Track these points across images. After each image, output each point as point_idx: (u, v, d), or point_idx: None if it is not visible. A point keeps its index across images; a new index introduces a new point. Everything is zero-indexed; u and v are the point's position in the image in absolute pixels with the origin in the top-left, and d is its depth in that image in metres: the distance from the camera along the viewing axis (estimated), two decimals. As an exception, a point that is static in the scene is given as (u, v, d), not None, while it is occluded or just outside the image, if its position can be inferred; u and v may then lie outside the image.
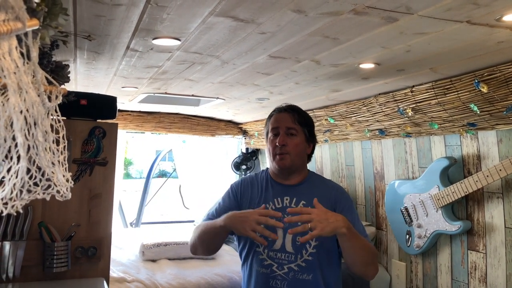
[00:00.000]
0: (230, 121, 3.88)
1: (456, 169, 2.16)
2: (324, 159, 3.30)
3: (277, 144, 1.68)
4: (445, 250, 2.25)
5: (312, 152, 1.80)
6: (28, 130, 0.67)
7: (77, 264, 1.77)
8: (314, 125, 1.82)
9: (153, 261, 2.64)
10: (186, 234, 2.91)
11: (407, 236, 2.38)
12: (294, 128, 1.70)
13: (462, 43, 1.34)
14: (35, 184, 0.72)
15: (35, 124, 0.68)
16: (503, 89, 1.59)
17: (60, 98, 0.85)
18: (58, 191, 0.76)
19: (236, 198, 1.81)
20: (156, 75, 1.98)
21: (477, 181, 1.93)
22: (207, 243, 1.72)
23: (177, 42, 1.42)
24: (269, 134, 1.74)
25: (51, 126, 0.80)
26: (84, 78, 2.12)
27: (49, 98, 0.82)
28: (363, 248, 1.54)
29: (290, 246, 1.65)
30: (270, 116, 1.78)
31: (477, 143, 2.04)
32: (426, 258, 2.38)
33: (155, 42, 1.42)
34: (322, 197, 1.70)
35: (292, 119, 1.71)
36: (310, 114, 1.92)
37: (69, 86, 2.26)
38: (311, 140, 1.77)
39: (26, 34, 0.66)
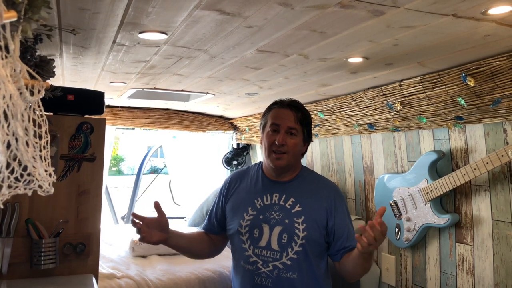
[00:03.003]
0: (220, 117, 3.87)
1: (444, 163, 2.18)
2: (314, 154, 3.31)
3: (276, 142, 1.64)
4: (434, 243, 2.27)
5: (306, 150, 1.78)
6: (7, 124, 0.66)
7: (65, 261, 1.76)
8: (311, 122, 1.78)
9: (143, 257, 2.64)
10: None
11: (397, 230, 2.40)
12: (295, 128, 1.67)
13: (449, 36, 1.34)
14: (16, 179, 0.71)
15: (13, 117, 0.67)
16: (490, 82, 1.60)
17: (43, 92, 0.83)
18: (40, 186, 0.75)
19: (226, 196, 1.83)
20: (144, 70, 1.96)
21: (464, 174, 1.95)
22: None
23: (163, 36, 1.41)
24: (268, 128, 1.70)
25: (34, 120, 0.79)
26: (72, 74, 2.10)
27: (32, 93, 0.81)
28: (367, 266, 1.58)
29: (275, 244, 1.63)
30: (270, 109, 1.74)
31: (465, 136, 2.06)
32: (415, 251, 2.40)
33: (142, 36, 1.41)
34: (316, 196, 1.70)
35: (294, 118, 1.67)
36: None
37: (57, 82, 2.23)
38: (307, 139, 1.75)
39: (3, 26, 0.65)
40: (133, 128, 3.73)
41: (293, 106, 1.71)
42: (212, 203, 1.90)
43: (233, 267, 1.77)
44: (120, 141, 22.77)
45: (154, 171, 16.54)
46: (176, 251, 1.80)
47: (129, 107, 3.41)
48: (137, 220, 1.61)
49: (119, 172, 23.20)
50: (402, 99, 2.03)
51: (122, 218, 4.24)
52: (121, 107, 3.38)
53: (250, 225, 1.68)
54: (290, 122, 1.66)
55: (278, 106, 1.72)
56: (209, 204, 3.39)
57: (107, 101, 3.08)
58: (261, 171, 1.78)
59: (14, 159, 0.71)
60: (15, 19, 0.65)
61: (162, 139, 4.63)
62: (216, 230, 1.83)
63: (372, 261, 1.59)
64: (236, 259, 1.74)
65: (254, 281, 1.63)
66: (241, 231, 1.69)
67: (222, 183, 1.88)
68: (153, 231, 1.62)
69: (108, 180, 4.36)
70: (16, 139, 0.69)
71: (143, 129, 3.80)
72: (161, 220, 1.64)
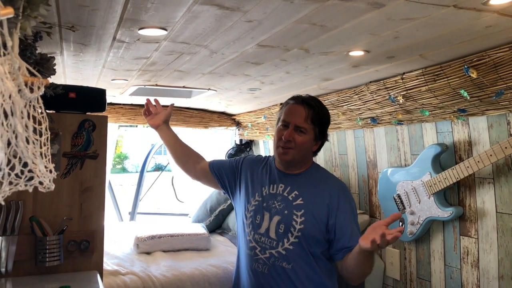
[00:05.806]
0: (223, 113, 3.87)
1: (447, 156, 2.17)
2: (317, 149, 3.30)
3: (282, 138, 1.68)
4: (438, 236, 2.26)
5: (319, 148, 1.79)
6: (6, 120, 0.66)
7: (70, 258, 1.77)
8: (329, 122, 1.78)
9: (148, 253, 2.65)
10: (180, 227, 2.92)
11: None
12: (304, 127, 1.68)
13: (450, 28, 1.33)
14: (17, 175, 0.72)
15: (13, 114, 0.67)
16: (492, 74, 1.59)
17: (43, 89, 0.84)
18: (41, 182, 0.76)
19: (237, 169, 1.90)
20: (145, 67, 1.96)
21: (468, 167, 1.94)
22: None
23: (163, 32, 1.40)
24: (279, 123, 1.74)
25: (34, 117, 0.79)
26: (73, 71, 2.10)
27: (31, 90, 0.81)
28: (367, 266, 1.55)
29: (273, 233, 1.68)
30: (286, 103, 1.76)
31: (468, 129, 2.05)
32: (420, 244, 2.39)
33: (141, 32, 1.40)
34: (320, 192, 1.71)
35: (305, 116, 1.68)
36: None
37: (58, 80, 2.24)
38: (320, 138, 1.75)
39: (1, 23, 0.65)
40: (136, 126, 3.74)
41: (307, 103, 1.70)
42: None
43: (237, 250, 1.86)
44: (124, 139, 22.84)
45: (158, 168, 16.58)
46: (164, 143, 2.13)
47: (132, 104, 3.42)
48: (153, 103, 2.11)
49: (124, 170, 23.26)
50: (404, 92, 2.02)
51: (129, 213, 4.27)
52: (123, 104, 3.38)
53: (254, 211, 1.75)
54: (299, 120, 1.68)
55: (293, 102, 1.74)
56: (212, 200, 3.39)
57: (110, 99, 3.08)
58: (273, 162, 1.84)
59: (15, 156, 0.72)
60: (12, 15, 0.65)
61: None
62: (211, 166, 1.96)
63: (372, 262, 1.56)
64: (239, 243, 1.83)
65: (252, 266, 1.71)
66: (246, 214, 1.77)
67: (240, 158, 1.96)
68: (156, 116, 2.09)
69: (112, 178, 4.38)
70: (16, 136, 0.69)
71: (146, 126, 3.81)
72: (166, 113, 2.10)
